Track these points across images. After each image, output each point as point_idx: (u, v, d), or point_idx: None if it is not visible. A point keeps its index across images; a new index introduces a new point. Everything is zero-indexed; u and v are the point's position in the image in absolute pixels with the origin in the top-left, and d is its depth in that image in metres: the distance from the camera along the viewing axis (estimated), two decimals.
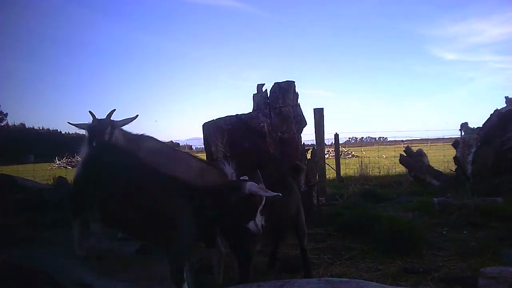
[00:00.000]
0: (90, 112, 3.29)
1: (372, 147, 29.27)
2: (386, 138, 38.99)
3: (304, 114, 5.12)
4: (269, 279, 2.74)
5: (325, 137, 7.58)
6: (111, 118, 3.33)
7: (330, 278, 2.69)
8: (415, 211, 4.96)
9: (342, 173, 9.44)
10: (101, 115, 3.32)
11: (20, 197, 5.57)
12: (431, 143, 22.88)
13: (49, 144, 38.01)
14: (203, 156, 4.87)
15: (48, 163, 25.19)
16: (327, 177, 7.89)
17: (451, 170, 7.98)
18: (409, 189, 7.17)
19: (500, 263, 2.98)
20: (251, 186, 2.23)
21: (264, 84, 5.03)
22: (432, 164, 8.34)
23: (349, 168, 11.12)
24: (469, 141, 7.20)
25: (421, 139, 23.34)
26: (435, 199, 5.21)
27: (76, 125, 3.38)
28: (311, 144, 7.04)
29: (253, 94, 5.06)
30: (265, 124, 4.54)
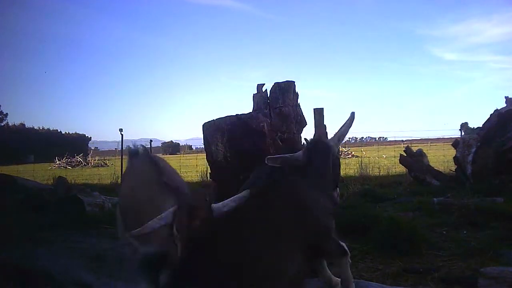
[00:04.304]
0: None
1: (372, 147, 29.31)
2: (386, 138, 39.15)
3: (304, 114, 5.12)
4: None
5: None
6: None
7: None
8: (415, 211, 4.96)
9: (342, 173, 9.44)
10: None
11: (20, 197, 5.58)
12: (431, 143, 22.91)
13: (49, 144, 38.08)
14: (203, 156, 4.89)
15: (48, 163, 25.23)
16: None
17: (451, 170, 7.98)
18: (409, 189, 7.16)
19: (500, 263, 2.98)
20: None
21: (264, 84, 5.03)
22: (432, 164, 8.35)
23: (349, 168, 11.12)
24: (469, 141, 7.20)
25: (421, 139, 23.43)
26: (435, 199, 5.20)
27: None
28: None
29: (253, 94, 5.05)
30: (265, 124, 4.53)
